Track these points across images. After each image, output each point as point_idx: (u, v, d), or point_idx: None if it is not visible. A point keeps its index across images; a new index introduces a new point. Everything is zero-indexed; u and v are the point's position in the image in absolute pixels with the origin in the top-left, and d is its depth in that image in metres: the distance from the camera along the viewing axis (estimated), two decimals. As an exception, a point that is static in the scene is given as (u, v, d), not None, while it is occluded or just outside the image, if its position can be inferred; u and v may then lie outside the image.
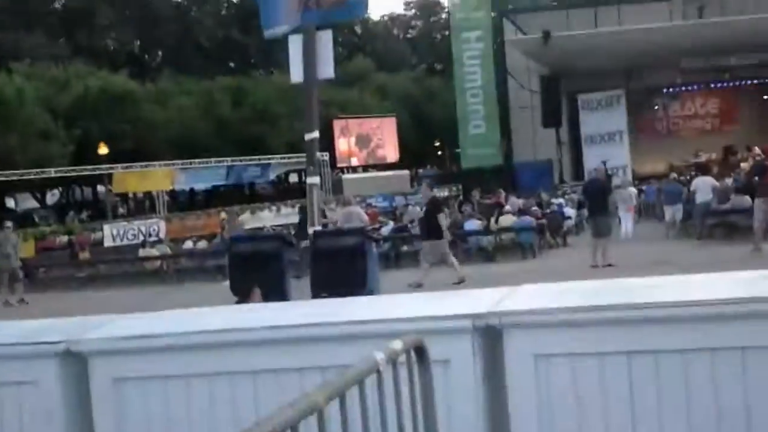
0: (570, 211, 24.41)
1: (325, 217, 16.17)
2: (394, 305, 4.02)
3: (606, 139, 40.63)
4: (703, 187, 19.89)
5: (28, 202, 51.53)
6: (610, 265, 15.61)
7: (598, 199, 16.64)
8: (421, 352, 2.48)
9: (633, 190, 24.12)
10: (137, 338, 3.62)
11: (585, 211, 23.60)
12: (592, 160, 36.64)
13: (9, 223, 21.12)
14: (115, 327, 3.91)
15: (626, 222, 21.55)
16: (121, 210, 45.24)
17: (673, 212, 21.07)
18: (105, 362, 3.60)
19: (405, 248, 20.69)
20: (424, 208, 17.05)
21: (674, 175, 26.94)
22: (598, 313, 3.20)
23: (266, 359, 3.43)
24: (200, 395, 3.49)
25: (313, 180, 11.63)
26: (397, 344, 2.32)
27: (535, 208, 23.23)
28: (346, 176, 47.20)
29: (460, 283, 14.71)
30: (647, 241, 20.20)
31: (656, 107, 45.14)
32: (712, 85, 43.30)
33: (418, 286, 14.73)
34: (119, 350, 3.61)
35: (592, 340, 3.19)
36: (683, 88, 43.67)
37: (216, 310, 4.51)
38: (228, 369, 3.47)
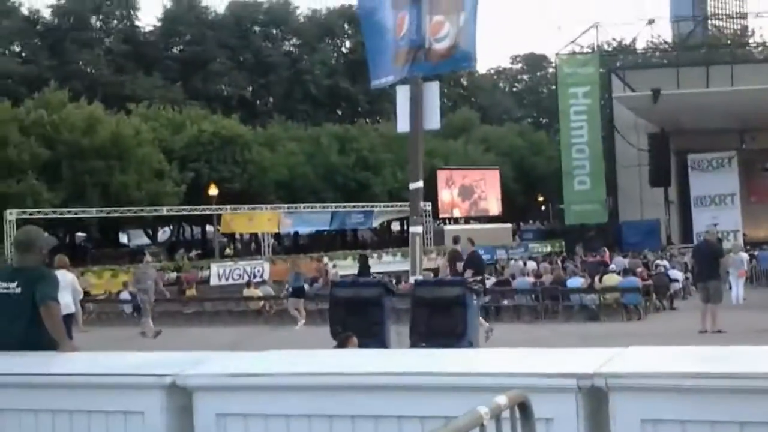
0: (677, 274, 23.71)
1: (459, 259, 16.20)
2: (498, 359, 3.97)
3: (717, 202, 39.57)
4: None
5: (140, 239, 53.37)
6: (720, 332, 15.03)
7: (709, 263, 16.07)
8: (525, 408, 2.45)
9: (744, 255, 23.28)
10: (241, 376, 3.68)
11: (691, 275, 22.89)
12: (701, 222, 35.70)
13: (149, 257, 21.46)
14: (221, 363, 3.99)
15: (737, 287, 20.80)
16: (228, 250, 46.35)
17: (784, 279, 20.30)
18: (209, 397, 3.67)
19: (506, 302, 20.49)
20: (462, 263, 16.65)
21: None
22: (712, 380, 3.08)
23: (366, 405, 3.43)
24: (300, 436, 3.51)
25: (416, 229, 11.65)
26: (502, 399, 2.30)
27: (640, 268, 22.67)
28: (448, 227, 47.14)
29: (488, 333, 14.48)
30: (759, 308, 19.43)
31: (769, 170, 43.66)
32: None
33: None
34: (224, 386, 3.67)
35: (703, 408, 3.06)
36: (799, 152, 42.13)
37: (319, 353, 4.56)
38: (328, 412, 3.48)
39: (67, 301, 11.73)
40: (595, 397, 3.23)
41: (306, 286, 22.32)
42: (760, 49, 56.30)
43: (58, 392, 3.91)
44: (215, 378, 3.71)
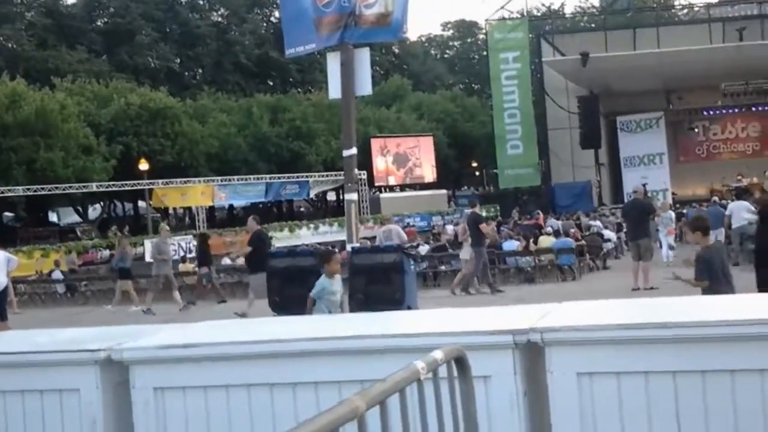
0: (610, 234, 24.14)
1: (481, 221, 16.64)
2: (434, 320, 4.00)
3: (645, 162, 40.32)
4: (738, 211, 19.52)
5: (71, 217, 52.23)
6: (652, 288, 15.34)
7: (638, 221, 16.33)
8: (461, 363, 2.45)
9: (672, 213, 23.83)
10: (178, 348, 3.62)
11: (623, 234, 23.32)
12: (631, 182, 36.30)
13: (166, 226, 20.36)
14: (157, 336, 3.93)
15: (667, 245, 21.25)
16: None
17: (715, 236, 20.72)
18: (146, 371, 3.61)
19: (443, 267, 20.62)
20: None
21: (716, 198, 26.60)
22: (644, 331, 3.13)
23: (306, 371, 3.41)
24: (240, 406, 3.48)
25: (351, 196, 11.65)
26: (438, 354, 2.29)
27: (574, 229, 23.02)
28: (384, 195, 47.24)
29: (242, 315, 13.94)
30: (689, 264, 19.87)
31: (696, 130, 44.62)
32: (753, 109, 42.72)
33: (242, 316, 13.70)
34: (160, 359, 3.61)
35: (637, 358, 3.12)
36: (724, 111, 43.14)
37: (256, 322, 4.53)
38: (267, 380, 3.46)
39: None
40: (531, 353, 3.26)
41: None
42: (685, 11, 57.36)
43: (-12, 372, 3.81)
44: (151, 351, 3.65)
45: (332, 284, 8.46)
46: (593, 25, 48.72)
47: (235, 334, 3.88)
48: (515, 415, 3.21)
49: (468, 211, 20.43)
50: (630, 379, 3.12)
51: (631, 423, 3.12)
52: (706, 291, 7.43)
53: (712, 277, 7.42)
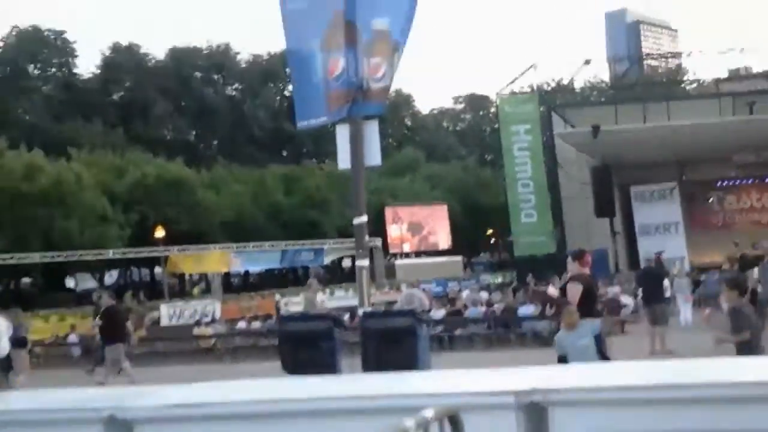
0: (627, 300, 24.08)
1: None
2: (432, 380, 3.96)
3: (661, 230, 40.24)
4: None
5: (88, 282, 52.48)
6: (669, 353, 15.27)
7: (653, 287, 16.41)
8: (455, 422, 2.39)
9: (688, 280, 23.79)
10: (183, 407, 3.60)
11: (640, 299, 23.23)
12: (647, 249, 36.22)
13: (316, 282, 19.48)
14: (162, 396, 3.91)
15: (686, 310, 21.19)
16: (196, 289, 45.52)
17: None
18: (149, 430, 3.58)
19: (458, 332, 20.54)
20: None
21: (736, 266, 26.57)
22: (654, 392, 3.07)
23: (306, 430, 3.38)
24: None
25: (362, 263, 11.68)
26: (429, 412, 2.21)
27: (590, 295, 22.86)
28: (399, 261, 47.23)
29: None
30: (707, 329, 19.73)
31: (711, 200, 44.57)
32: (767, 180, 42.74)
33: (100, 384, 14.15)
34: (165, 418, 3.58)
35: (646, 421, 3.05)
36: (737, 182, 43.13)
37: (266, 381, 4.50)
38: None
39: (3, 344, 12.40)
40: (534, 414, 3.20)
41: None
42: (694, 85, 57.88)
43: (-9, 431, 3.79)
44: (156, 410, 3.62)
45: (568, 336, 8.34)
46: (603, 99, 49.07)
47: (240, 394, 3.86)
48: (517, 480, 3.14)
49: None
50: (636, 442, 3.06)
51: (636, 487, 3.05)
52: (742, 346, 7.25)
53: (750, 331, 7.29)
